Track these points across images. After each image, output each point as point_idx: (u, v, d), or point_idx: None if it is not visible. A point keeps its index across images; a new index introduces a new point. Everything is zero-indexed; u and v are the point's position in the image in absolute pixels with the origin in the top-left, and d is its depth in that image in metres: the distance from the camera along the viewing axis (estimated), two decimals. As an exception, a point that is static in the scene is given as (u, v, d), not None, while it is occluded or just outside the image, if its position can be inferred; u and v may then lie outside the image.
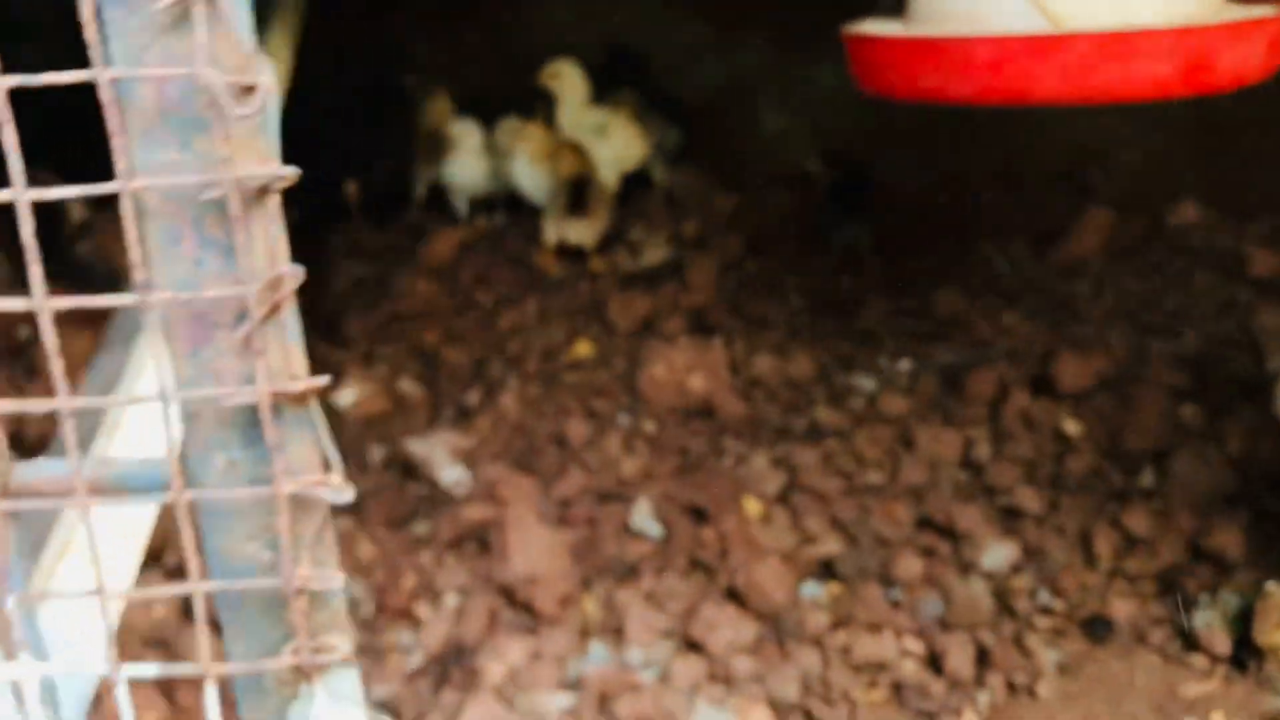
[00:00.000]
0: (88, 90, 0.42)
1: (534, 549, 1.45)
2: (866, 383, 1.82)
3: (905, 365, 1.85)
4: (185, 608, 1.36)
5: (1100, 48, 1.18)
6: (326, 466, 0.47)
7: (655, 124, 2.41)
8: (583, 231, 2.27)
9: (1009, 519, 1.55)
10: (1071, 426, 1.67)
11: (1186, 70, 1.19)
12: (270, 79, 0.48)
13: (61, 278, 1.64)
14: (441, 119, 2.41)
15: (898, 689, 1.34)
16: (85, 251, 1.96)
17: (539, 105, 2.40)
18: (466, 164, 2.37)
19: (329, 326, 1.97)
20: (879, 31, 1.34)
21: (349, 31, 2.52)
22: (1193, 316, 1.90)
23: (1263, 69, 1.25)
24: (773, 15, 2.44)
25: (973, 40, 1.21)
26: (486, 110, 2.44)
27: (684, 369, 1.80)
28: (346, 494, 0.46)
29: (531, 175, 2.33)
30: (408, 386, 1.86)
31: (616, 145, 2.30)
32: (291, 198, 0.47)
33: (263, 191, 0.44)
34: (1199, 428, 1.63)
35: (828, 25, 2.38)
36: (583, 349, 1.92)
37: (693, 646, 1.38)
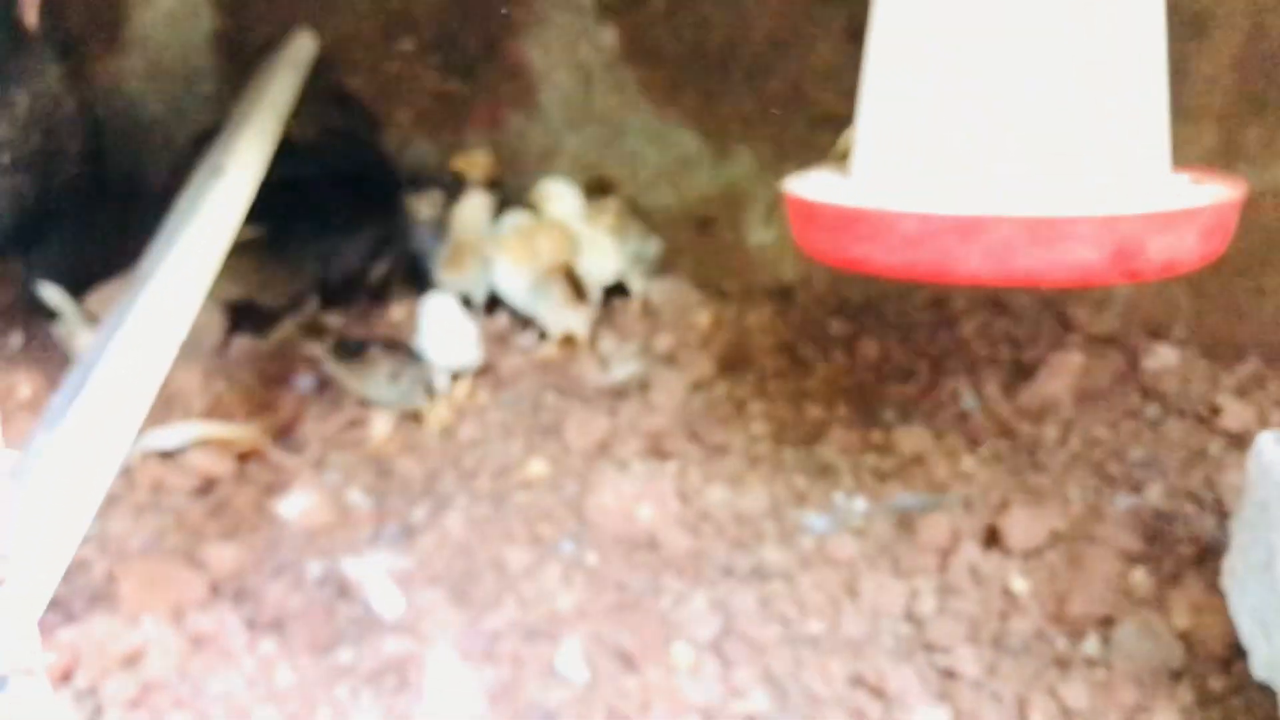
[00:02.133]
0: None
1: (451, 691, 1.43)
2: (819, 521, 1.79)
3: (860, 505, 1.82)
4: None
5: (1025, 231, 1.16)
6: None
7: (635, 234, 2.42)
8: (578, 320, 2.26)
9: (945, 681, 1.51)
10: (1019, 584, 1.63)
11: (1113, 257, 1.17)
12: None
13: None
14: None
15: None
16: None
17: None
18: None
19: (284, 430, 1.97)
20: (814, 192, 1.33)
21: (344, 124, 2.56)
22: (1159, 468, 1.86)
23: (1197, 257, 1.23)
24: (765, 129, 2.45)
25: (897, 214, 1.20)
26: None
27: (633, 498, 1.78)
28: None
29: (514, 278, 2.34)
30: (356, 498, 1.85)
31: (591, 260, 2.30)
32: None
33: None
34: (1148, 595, 1.58)
35: (819, 138, 2.41)
36: (536, 468, 1.90)
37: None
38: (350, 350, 2.06)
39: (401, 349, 2.07)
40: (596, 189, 2.46)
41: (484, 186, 2.43)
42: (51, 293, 2.11)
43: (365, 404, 2.05)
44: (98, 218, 2.14)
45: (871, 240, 1.24)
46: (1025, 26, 1.24)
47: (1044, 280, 1.19)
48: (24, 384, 2.02)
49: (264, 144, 1.83)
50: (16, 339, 2.26)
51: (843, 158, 1.48)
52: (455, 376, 2.12)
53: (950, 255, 1.18)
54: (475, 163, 2.46)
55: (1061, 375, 2.04)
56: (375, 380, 2.03)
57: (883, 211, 1.21)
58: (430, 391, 2.05)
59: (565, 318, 2.22)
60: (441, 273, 2.36)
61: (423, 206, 2.46)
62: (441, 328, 2.10)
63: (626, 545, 1.74)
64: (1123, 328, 2.24)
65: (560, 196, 2.38)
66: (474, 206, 2.41)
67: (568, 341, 2.24)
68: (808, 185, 1.40)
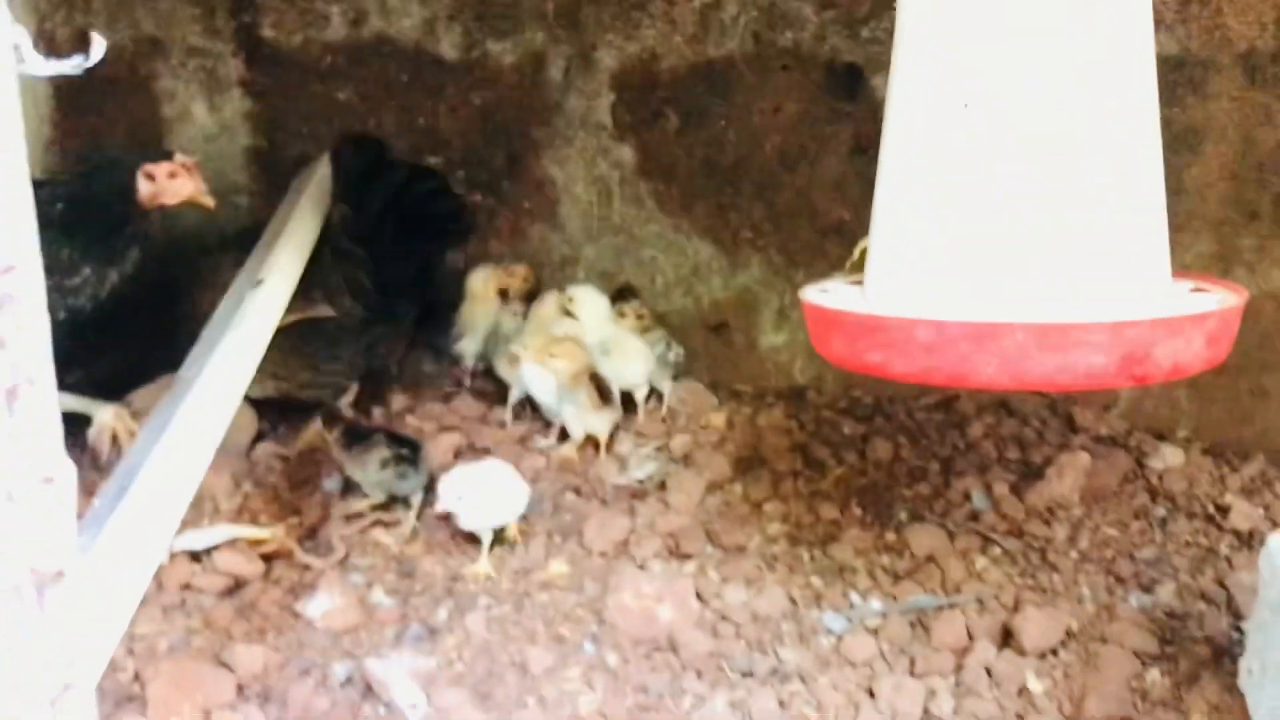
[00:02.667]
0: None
1: (477, 790, 1.44)
2: (836, 621, 1.81)
3: (876, 605, 1.84)
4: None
5: (1038, 337, 1.22)
6: None
7: (658, 338, 2.47)
8: (599, 424, 2.30)
9: (965, 782, 1.53)
10: (1036, 685, 1.65)
11: (1123, 362, 1.22)
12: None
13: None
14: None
15: None
16: None
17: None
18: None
19: (310, 531, 2.01)
20: (832, 301, 1.39)
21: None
22: (1170, 567, 1.89)
23: (1203, 361, 1.28)
24: (775, 237, 2.53)
25: (913, 321, 1.26)
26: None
27: (652, 598, 1.81)
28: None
29: (542, 380, 2.38)
30: (380, 598, 1.88)
31: (620, 363, 2.35)
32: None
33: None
34: (1164, 696, 1.60)
35: (828, 246, 2.48)
36: (557, 569, 1.94)
37: None
38: (356, 436, 2.10)
39: (404, 442, 2.10)
40: (618, 295, 2.53)
41: (522, 299, 2.53)
42: (67, 399, 2.13)
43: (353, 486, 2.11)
44: (132, 327, 2.18)
45: (889, 347, 1.29)
46: (1035, 140, 1.32)
47: (1055, 385, 1.25)
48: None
49: (299, 257, 1.90)
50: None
51: (857, 267, 1.55)
52: (499, 531, 2.03)
53: (966, 362, 1.24)
54: (516, 276, 2.56)
55: (1069, 475, 2.08)
56: (365, 465, 2.07)
57: (899, 319, 1.27)
58: (421, 487, 2.09)
59: (589, 421, 2.27)
60: (506, 368, 2.43)
61: (476, 282, 2.55)
62: (490, 489, 2.03)
63: (647, 646, 1.76)
64: (1127, 429, 2.29)
65: (589, 301, 2.45)
66: (550, 305, 2.48)
67: (589, 442, 2.28)
68: (825, 294, 1.47)
